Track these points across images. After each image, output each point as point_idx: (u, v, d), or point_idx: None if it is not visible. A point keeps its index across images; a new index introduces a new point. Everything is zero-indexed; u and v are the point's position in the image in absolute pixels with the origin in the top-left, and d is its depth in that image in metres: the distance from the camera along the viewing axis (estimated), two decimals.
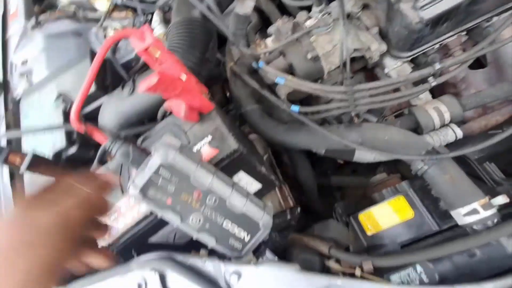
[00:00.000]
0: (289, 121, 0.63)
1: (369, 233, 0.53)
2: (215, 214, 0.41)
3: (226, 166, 0.52)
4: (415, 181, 0.52)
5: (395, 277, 0.47)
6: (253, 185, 0.69)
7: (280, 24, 0.66)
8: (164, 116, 0.61)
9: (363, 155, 0.70)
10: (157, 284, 0.45)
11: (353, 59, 0.58)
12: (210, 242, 0.42)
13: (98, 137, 0.45)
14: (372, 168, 0.81)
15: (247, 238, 0.43)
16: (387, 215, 0.51)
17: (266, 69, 0.56)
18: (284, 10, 0.80)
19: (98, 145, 0.52)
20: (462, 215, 0.45)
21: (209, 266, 0.48)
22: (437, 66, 0.52)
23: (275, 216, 0.68)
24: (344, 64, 0.53)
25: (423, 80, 0.55)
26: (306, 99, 0.65)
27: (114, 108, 0.61)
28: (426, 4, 0.47)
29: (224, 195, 0.41)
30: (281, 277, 0.44)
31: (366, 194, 0.68)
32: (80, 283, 0.46)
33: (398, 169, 0.70)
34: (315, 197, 0.74)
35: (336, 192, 0.88)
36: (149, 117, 0.62)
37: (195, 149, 0.53)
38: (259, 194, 0.75)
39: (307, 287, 0.43)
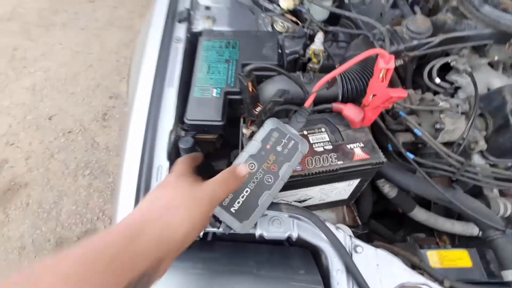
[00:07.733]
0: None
1: (432, 266, 0.70)
2: None
3: (364, 171, 0.68)
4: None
5: None
6: (341, 194, 0.84)
7: (412, 93, 0.87)
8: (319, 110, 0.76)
9: (419, 214, 0.89)
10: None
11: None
12: None
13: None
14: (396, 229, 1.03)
15: None
16: (452, 259, 0.69)
17: (409, 119, 0.75)
18: None
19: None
20: None
21: (340, 233, 0.61)
22: None
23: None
24: (459, 144, 0.75)
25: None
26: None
27: (286, 85, 0.75)
28: None
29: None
30: (391, 263, 0.59)
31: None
32: None
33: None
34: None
35: None
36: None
37: (349, 147, 0.68)
38: (331, 204, 0.89)
39: (409, 278, 0.57)
